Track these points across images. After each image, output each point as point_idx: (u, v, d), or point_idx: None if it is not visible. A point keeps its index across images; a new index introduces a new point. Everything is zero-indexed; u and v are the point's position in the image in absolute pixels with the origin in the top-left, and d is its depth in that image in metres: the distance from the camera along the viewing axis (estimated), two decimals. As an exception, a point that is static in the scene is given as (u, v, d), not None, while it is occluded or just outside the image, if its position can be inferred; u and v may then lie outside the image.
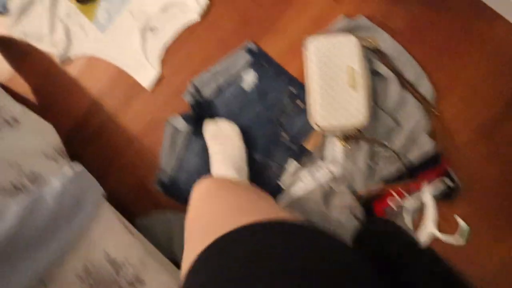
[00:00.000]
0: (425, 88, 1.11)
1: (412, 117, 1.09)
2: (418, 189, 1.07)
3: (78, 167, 0.93)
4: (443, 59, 1.12)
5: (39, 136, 1.02)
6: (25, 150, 0.92)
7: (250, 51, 1.17)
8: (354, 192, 1.10)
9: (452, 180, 1.07)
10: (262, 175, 1.14)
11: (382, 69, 1.10)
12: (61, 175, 0.87)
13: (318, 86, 1.05)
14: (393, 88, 1.09)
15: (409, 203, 1.07)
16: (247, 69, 1.17)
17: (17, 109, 1.03)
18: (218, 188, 0.75)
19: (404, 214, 1.08)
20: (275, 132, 1.15)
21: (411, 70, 1.11)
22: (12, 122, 0.97)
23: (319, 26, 1.16)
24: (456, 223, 1.01)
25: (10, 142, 0.92)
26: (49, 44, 1.24)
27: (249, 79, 1.16)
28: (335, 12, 1.16)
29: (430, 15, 1.13)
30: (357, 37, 1.07)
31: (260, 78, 1.16)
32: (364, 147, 1.09)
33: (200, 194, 0.74)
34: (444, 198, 1.08)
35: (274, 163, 1.14)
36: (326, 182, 1.10)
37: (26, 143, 0.96)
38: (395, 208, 1.07)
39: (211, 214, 0.58)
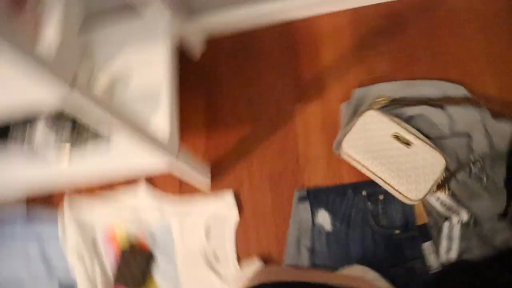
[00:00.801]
0: (455, 90, 1.05)
1: (470, 119, 1.04)
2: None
3: None
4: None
5: None
6: None
7: (302, 199, 1.10)
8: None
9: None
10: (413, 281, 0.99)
11: (413, 110, 1.05)
12: None
13: (383, 171, 0.99)
14: (436, 114, 1.04)
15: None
16: (315, 214, 1.08)
17: None
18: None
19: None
20: (389, 242, 1.02)
21: (430, 88, 1.07)
22: None
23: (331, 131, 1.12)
24: None
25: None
26: None
27: (323, 220, 1.07)
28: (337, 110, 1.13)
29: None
30: (371, 108, 1.04)
31: (331, 210, 1.07)
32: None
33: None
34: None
35: (414, 262, 1.00)
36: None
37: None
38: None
39: None
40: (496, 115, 1.03)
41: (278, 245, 1.07)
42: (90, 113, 0.64)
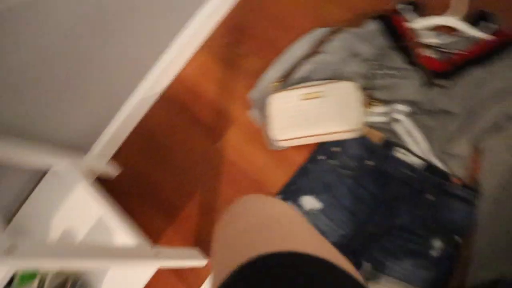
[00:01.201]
0: (319, 35, 1.19)
1: (345, 43, 1.15)
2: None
3: None
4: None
5: None
6: None
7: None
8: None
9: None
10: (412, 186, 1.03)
11: (303, 71, 1.14)
12: None
13: (318, 127, 1.05)
14: (320, 59, 1.15)
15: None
16: (300, 204, 1.09)
17: None
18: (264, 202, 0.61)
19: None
20: (371, 176, 1.05)
21: (300, 48, 1.19)
22: None
23: (258, 137, 1.17)
24: None
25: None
26: None
27: (310, 203, 1.08)
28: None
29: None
30: (272, 95, 1.11)
31: (309, 191, 1.09)
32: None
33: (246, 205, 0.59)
34: None
35: (401, 172, 1.04)
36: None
37: None
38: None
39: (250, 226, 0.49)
40: (358, 25, 1.14)
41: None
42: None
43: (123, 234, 0.98)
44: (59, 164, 1.03)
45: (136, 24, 1.03)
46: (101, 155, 1.22)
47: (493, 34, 1.05)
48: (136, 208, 1.20)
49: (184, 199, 1.18)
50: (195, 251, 1.11)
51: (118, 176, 1.24)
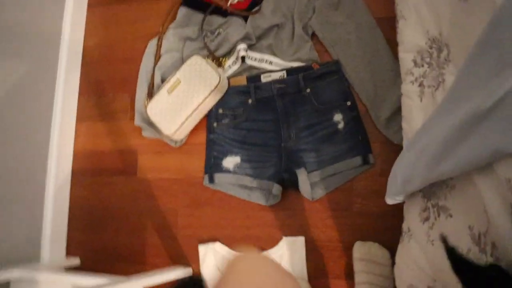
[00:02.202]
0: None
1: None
2: None
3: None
4: None
5: None
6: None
7: (210, 179, 1.21)
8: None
9: None
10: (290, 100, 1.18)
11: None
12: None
13: (196, 102, 1.18)
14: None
15: None
16: (222, 168, 1.21)
17: None
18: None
19: None
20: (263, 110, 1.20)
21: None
22: None
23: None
24: None
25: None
26: None
27: (231, 162, 1.19)
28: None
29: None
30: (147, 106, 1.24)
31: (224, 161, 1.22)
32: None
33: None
34: None
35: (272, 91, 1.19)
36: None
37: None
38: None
39: None
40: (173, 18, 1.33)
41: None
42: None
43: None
44: (16, 275, 1.08)
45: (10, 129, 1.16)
46: (53, 257, 1.28)
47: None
48: (114, 270, 1.26)
49: (143, 238, 1.25)
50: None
51: (82, 262, 1.30)
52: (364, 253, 1.03)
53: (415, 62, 0.84)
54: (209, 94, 1.17)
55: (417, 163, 0.72)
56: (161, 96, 1.21)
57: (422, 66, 0.81)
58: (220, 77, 1.17)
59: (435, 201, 0.74)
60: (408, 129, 0.85)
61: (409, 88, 0.84)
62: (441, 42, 0.76)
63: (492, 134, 0.51)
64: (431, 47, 0.79)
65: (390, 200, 0.85)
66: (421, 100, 0.80)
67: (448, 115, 0.63)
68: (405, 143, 0.85)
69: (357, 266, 1.03)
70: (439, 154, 0.65)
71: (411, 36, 0.85)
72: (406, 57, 0.87)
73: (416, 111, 0.82)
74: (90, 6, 1.47)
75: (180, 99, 1.19)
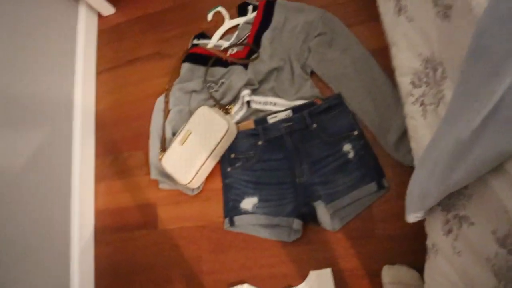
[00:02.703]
0: None
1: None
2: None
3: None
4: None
5: None
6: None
7: (230, 222, 1.23)
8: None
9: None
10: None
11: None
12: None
13: (211, 153, 1.22)
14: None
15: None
16: (240, 209, 1.23)
17: None
18: None
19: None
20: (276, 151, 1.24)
21: None
22: None
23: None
24: None
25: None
26: None
27: (249, 204, 1.22)
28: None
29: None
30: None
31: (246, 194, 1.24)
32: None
33: None
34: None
35: (283, 129, 1.24)
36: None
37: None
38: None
39: None
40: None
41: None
42: None
43: None
44: None
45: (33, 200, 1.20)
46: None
47: (256, 8, 1.37)
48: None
49: (173, 286, 1.26)
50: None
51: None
52: (393, 276, 1.03)
53: (413, 83, 0.88)
54: (220, 141, 1.22)
55: (431, 176, 0.74)
56: (174, 148, 1.26)
57: (421, 86, 0.86)
58: (228, 123, 1.22)
59: (455, 212, 0.76)
60: (417, 148, 0.88)
61: (411, 109, 0.89)
62: (435, 61, 0.81)
63: (497, 136, 0.54)
64: (426, 68, 0.84)
65: (410, 218, 0.87)
66: (424, 118, 0.84)
67: (453, 125, 0.67)
68: (416, 161, 0.88)
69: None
70: (450, 164, 0.68)
71: (405, 60, 0.90)
72: (403, 80, 0.92)
73: (422, 129, 0.85)
74: (98, 73, 1.57)
75: (193, 148, 1.24)
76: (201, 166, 1.22)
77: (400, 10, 0.89)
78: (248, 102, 1.28)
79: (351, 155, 1.17)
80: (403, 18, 0.88)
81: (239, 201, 1.23)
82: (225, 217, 1.24)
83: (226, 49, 1.37)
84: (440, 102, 0.79)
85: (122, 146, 1.44)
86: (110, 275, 1.34)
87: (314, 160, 1.19)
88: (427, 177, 0.76)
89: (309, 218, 1.15)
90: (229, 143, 1.26)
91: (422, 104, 0.85)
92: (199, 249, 1.26)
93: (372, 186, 1.13)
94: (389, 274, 1.04)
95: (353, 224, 1.14)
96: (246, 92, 1.27)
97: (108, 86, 1.53)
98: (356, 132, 1.18)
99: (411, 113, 0.89)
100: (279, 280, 1.16)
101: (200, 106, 1.29)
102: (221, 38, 1.40)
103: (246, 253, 1.21)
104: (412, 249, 1.06)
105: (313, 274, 1.13)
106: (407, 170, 1.10)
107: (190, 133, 1.25)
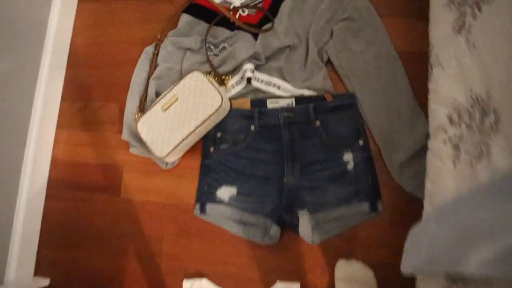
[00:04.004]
0: None
1: None
2: None
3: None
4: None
5: None
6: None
7: (202, 210, 1.10)
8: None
9: None
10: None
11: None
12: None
13: (190, 125, 1.07)
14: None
15: None
16: (216, 198, 1.10)
17: None
18: None
19: None
20: (268, 138, 1.09)
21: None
22: None
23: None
24: None
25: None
26: None
27: (226, 194, 1.09)
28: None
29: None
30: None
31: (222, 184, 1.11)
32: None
33: None
34: None
35: (283, 117, 1.08)
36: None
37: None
38: None
39: None
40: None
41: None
42: None
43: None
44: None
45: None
46: (20, 276, 1.15)
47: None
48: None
49: (122, 263, 1.14)
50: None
51: (51, 283, 1.18)
52: (347, 271, 0.99)
53: (450, 119, 0.74)
54: (209, 117, 1.06)
55: (450, 243, 0.63)
56: (155, 113, 1.09)
57: (460, 126, 0.72)
58: (222, 99, 1.06)
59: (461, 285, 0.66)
60: (433, 192, 0.76)
61: (440, 147, 0.75)
62: (488, 105, 0.67)
63: None
64: (472, 106, 0.70)
65: (407, 271, 0.77)
66: (454, 166, 0.71)
67: (499, 204, 0.54)
68: (430, 210, 0.76)
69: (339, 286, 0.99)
70: (478, 242, 0.56)
71: (449, 88, 0.75)
72: (439, 110, 0.77)
73: (447, 175, 0.73)
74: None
75: (176, 118, 1.07)
76: (182, 141, 1.06)
77: (461, 28, 0.73)
78: (248, 79, 1.11)
79: (350, 166, 1.04)
80: (463, 39, 0.72)
81: (216, 187, 1.10)
82: (197, 201, 1.11)
83: (236, 9, 1.17)
84: (482, 157, 0.66)
85: (95, 94, 1.25)
86: (57, 234, 1.20)
87: (308, 161, 1.05)
88: (445, 241, 0.65)
89: (289, 226, 1.03)
90: (218, 121, 1.10)
91: (456, 148, 0.72)
92: (162, 228, 1.14)
93: (364, 205, 1.02)
94: (343, 269, 0.99)
95: (333, 241, 1.04)
96: (249, 67, 1.09)
97: (91, 18, 1.30)
98: (361, 142, 1.04)
99: (437, 151, 0.76)
100: (242, 283, 1.07)
101: (194, 69, 1.11)
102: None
103: (212, 245, 1.10)
104: (390, 281, 0.98)
105: (279, 285, 1.04)
106: (406, 197, 0.99)
107: (176, 99, 1.08)
